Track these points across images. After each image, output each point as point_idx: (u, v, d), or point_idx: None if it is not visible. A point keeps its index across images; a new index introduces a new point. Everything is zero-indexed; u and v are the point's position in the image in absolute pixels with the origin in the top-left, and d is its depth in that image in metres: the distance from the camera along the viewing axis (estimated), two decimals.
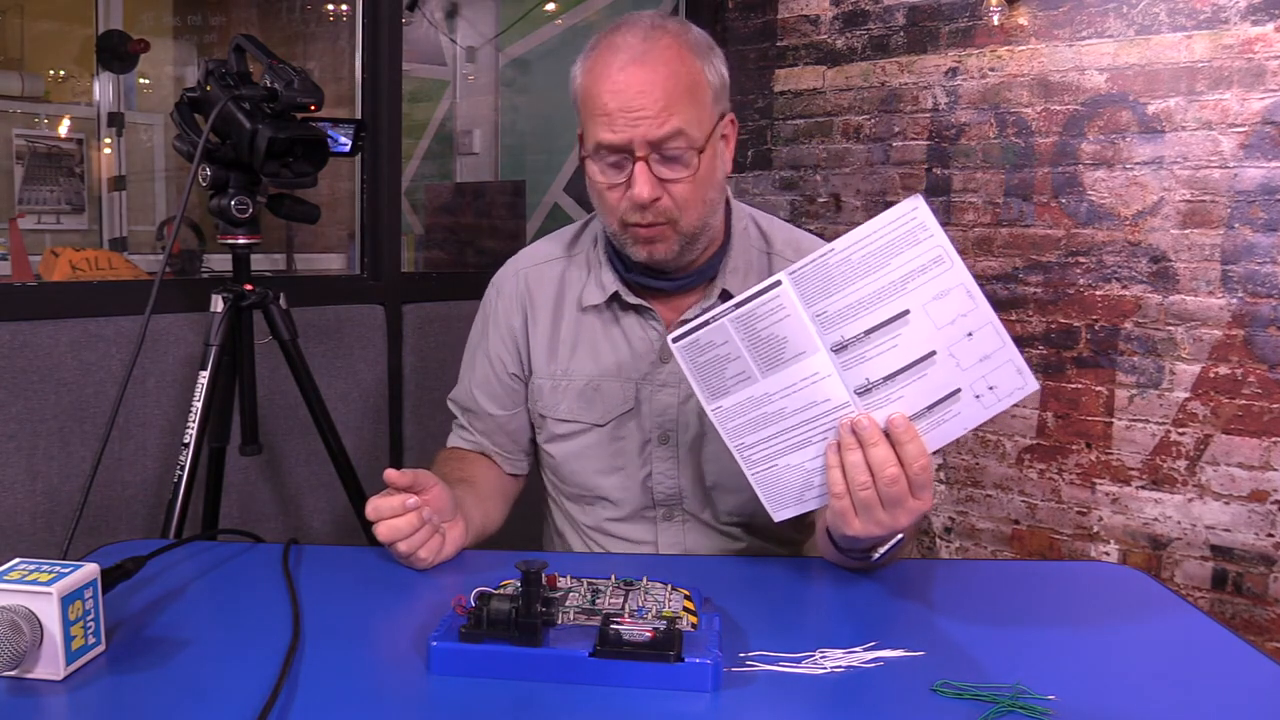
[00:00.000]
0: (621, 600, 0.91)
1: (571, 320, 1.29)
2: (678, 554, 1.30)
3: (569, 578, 0.96)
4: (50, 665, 0.80)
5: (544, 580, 0.85)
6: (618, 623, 0.83)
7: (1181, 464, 2.43)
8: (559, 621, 0.87)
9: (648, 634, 0.82)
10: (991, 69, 2.66)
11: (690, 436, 1.26)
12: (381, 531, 1.05)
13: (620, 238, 1.20)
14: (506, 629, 0.83)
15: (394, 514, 1.05)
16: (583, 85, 1.15)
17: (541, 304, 1.31)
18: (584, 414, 1.28)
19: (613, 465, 1.29)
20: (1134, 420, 2.49)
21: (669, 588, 0.94)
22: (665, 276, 1.24)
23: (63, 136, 3.53)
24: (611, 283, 1.26)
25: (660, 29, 1.14)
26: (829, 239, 0.97)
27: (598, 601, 0.91)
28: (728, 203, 1.27)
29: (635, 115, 1.10)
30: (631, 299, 1.26)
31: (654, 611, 0.89)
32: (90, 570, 0.85)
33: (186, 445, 1.55)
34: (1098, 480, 2.55)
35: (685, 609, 0.90)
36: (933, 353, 0.95)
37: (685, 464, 1.27)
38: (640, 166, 1.12)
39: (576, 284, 1.30)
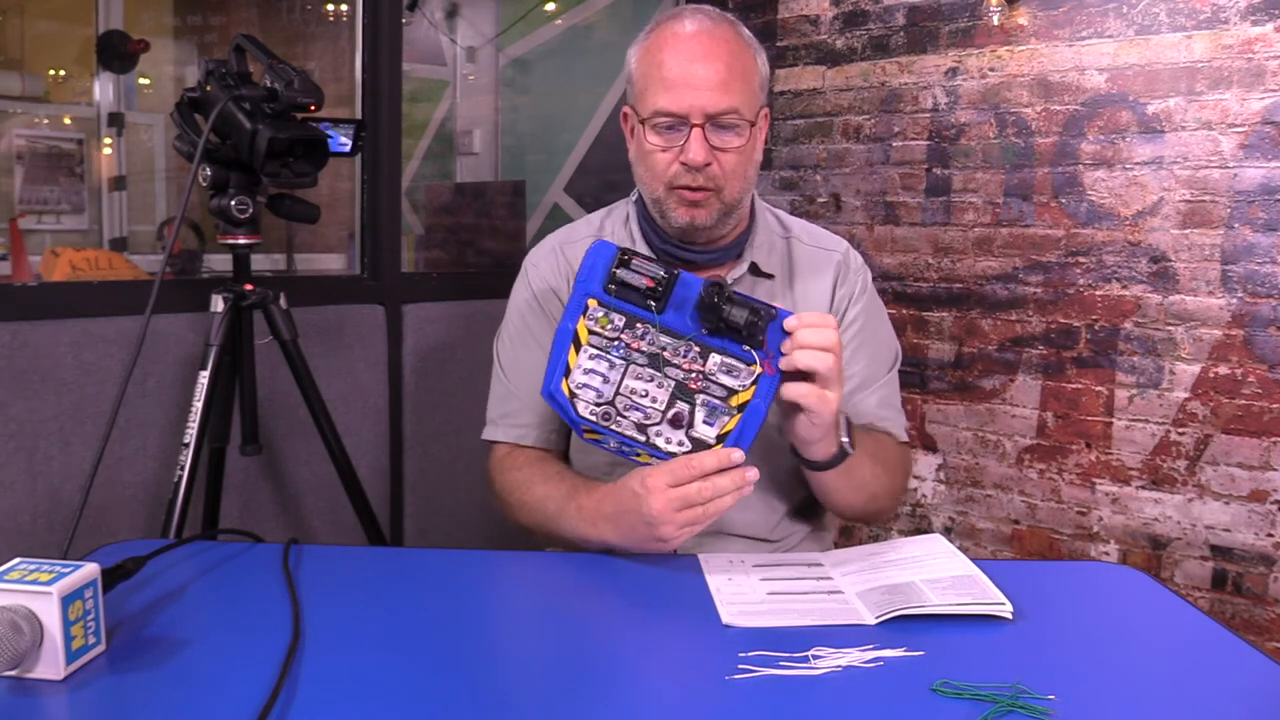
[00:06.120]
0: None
1: None
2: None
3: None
4: (50, 665, 0.80)
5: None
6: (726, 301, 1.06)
7: (1181, 464, 2.43)
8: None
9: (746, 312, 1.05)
10: (991, 69, 2.66)
11: None
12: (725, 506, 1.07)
13: (664, 202, 1.25)
14: (641, 295, 1.07)
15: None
16: (642, 58, 1.23)
17: None
18: None
19: None
20: (1134, 420, 2.49)
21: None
22: (696, 249, 1.29)
23: (63, 137, 3.53)
24: (645, 253, 1.29)
25: (721, 18, 1.24)
26: None
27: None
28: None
29: (697, 86, 1.18)
30: None
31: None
32: (90, 570, 0.85)
33: (186, 445, 1.55)
34: (1098, 480, 2.55)
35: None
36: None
37: None
38: (696, 132, 1.19)
39: None
